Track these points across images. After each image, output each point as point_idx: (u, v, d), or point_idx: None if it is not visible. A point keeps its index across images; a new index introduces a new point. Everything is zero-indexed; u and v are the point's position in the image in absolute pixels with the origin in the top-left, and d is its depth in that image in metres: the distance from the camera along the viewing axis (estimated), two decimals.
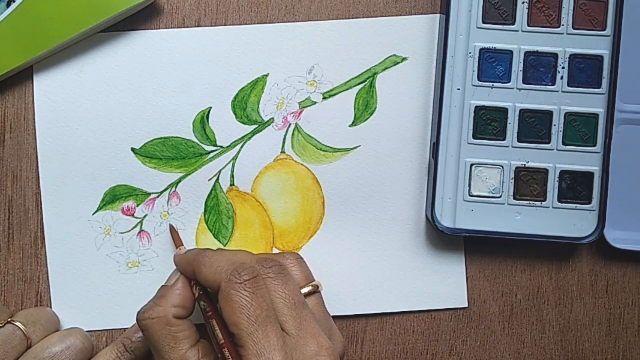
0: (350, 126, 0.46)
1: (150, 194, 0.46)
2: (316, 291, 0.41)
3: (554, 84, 0.44)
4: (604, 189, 0.44)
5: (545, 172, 0.44)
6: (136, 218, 0.46)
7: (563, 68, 0.44)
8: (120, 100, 0.45)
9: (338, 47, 0.46)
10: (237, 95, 0.46)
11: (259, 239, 0.46)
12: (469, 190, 0.44)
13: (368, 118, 0.46)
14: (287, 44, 0.46)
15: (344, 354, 0.41)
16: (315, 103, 0.46)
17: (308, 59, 0.46)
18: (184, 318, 0.40)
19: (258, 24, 0.46)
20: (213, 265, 0.38)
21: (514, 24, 0.44)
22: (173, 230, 0.45)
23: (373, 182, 0.46)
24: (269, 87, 0.46)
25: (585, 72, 0.44)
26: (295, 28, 0.46)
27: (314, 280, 0.42)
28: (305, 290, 0.41)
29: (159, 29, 0.46)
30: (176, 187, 0.46)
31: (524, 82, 0.44)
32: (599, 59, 0.44)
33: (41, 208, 0.45)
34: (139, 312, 0.40)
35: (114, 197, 0.46)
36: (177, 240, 0.45)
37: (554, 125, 0.44)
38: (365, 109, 0.46)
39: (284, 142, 0.46)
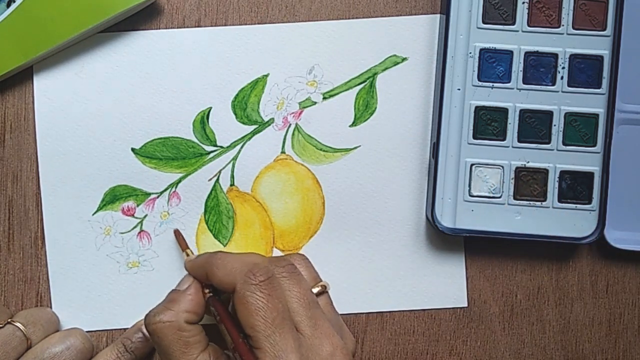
0: (350, 126, 0.46)
1: (150, 194, 0.46)
2: (324, 291, 0.41)
3: (554, 84, 0.44)
4: (604, 189, 0.44)
5: (545, 172, 0.44)
6: (136, 218, 0.46)
7: (563, 68, 0.44)
8: (121, 100, 0.45)
9: (338, 47, 0.46)
10: (237, 95, 0.46)
11: (259, 239, 0.46)
12: (469, 190, 0.44)
13: (368, 118, 0.46)
14: (287, 44, 0.46)
15: (355, 352, 0.41)
16: (315, 103, 0.46)
17: (308, 59, 0.46)
18: (194, 323, 0.40)
19: (258, 24, 0.46)
20: (227, 267, 0.38)
21: (514, 24, 0.44)
22: (178, 235, 0.45)
23: (373, 182, 0.46)
24: (269, 87, 0.46)
25: (585, 72, 0.44)
26: (295, 28, 0.46)
27: (321, 280, 0.42)
28: (314, 291, 0.41)
29: (159, 29, 0.46)
30: (176, 187, 0.46)
31: (524, 82, 0.44)
32: (599, 59, 0.44)
33: (41, 208, 0.45)
34: (148, 315, 0.40)
35: (113, 197, 0.46)
36: (182, 244, 0.45)
37: (554, 125, 0.44)
38: (365, 109, 0.46)
39: (284, 142, 0.46)
